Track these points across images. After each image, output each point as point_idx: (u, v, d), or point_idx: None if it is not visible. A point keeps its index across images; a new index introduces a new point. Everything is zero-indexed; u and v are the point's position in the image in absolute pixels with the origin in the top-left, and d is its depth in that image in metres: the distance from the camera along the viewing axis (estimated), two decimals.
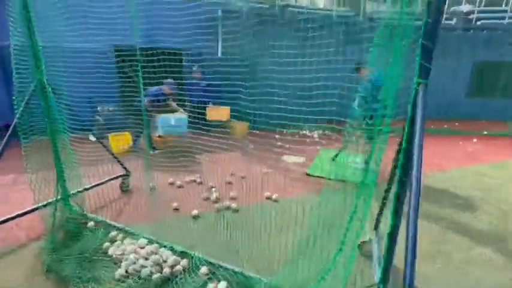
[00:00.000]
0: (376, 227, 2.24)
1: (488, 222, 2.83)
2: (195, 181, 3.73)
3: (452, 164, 4.71)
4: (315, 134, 6.69)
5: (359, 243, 2.19)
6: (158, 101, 4.71)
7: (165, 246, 2.16)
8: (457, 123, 8.35)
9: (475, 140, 6.41)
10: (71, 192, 2.65)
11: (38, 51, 2.24)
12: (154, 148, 4.99)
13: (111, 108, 5.76)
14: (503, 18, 8.31)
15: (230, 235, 2.50)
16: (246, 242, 2.36)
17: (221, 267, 1.94)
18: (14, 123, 2.29)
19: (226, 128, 6.39)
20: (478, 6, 8.46)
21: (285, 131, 6.65)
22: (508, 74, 8.81)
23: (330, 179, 3.73)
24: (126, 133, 5.27)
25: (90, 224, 2.51)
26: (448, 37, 8.49)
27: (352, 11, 8.83)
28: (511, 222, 2.84)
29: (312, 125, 7.20)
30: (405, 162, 1.27)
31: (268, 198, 3.23)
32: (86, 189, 2.88)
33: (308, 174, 4.02)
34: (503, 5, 8.46)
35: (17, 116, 2.27)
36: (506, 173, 4.35)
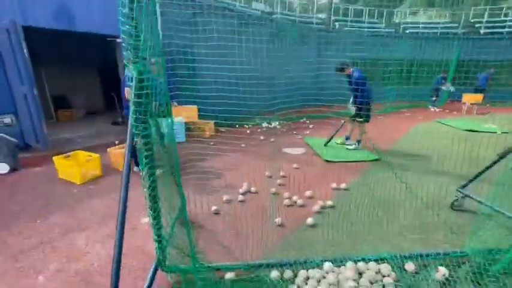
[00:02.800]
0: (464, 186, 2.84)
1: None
2: (249, 191, 3.25)
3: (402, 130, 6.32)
4: (276, 125, 7.02)
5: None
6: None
7: (354, 261, 1.96)
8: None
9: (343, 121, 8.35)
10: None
11: None
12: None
13: None
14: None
15: (364, 226, 2.51)
16: (386, 227, 2.46)
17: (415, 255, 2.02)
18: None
19: (195, 129, 5.65)
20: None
21: (250, 124, 6.63)
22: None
23: (348, 161, 4.26)
24: (94, 155, 3.77)
25: (229, 275, 1.85)
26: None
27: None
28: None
29: (265, 117, 7.47)
30: None
31: (337, 189, 3.34)
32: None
33: (328, 161, 4.35)
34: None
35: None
36: (419, 133, 6.33)
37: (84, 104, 7.72)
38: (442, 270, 1.86)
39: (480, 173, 2.71)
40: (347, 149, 4.92)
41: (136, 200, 3.01)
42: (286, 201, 2.96)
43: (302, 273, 1.87)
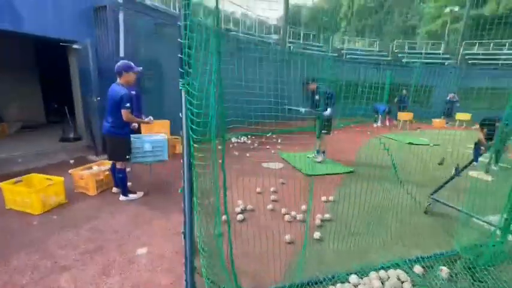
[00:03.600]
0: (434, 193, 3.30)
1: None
2: (245, 209, 3.16)
3: (358, 143, 6.96)
4: (245, 139, 7.07)
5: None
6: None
7: (375, 270, 2.07)
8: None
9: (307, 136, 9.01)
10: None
11: None
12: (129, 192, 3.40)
13: None
14: None
15: (364, 236, 2.67)
16: (384, 235, 2.67)
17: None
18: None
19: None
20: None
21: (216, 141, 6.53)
22: None
23: (326, 174, 4.54)
24: (56, 178, 3.21)
25: None
26: None
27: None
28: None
29: (233, 133, 7.48)
30: None
31: (327, 201, 3.50)
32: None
33: (308, 175, 4.54)
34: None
35: None
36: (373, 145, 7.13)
37: (20, 117, 6.49)
38: (445, 269, 2.11)
39: (446, 182, 3.20)
40: (315, 161, 5.20)
41: (123, 229, 2.66)
42: (287, 217, 2.98)
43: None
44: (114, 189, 3.49)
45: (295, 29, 15.30)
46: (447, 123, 12.52)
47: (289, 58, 11.70)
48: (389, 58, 16.82)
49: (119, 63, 3.06)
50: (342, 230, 2.79)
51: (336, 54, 16.14)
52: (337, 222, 2.96)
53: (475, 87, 14.37)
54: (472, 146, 6.25)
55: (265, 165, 5.05)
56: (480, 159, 5.65)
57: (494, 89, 14.11)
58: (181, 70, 1.31)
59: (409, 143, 7.79)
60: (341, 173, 4.66)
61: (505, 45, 17.31)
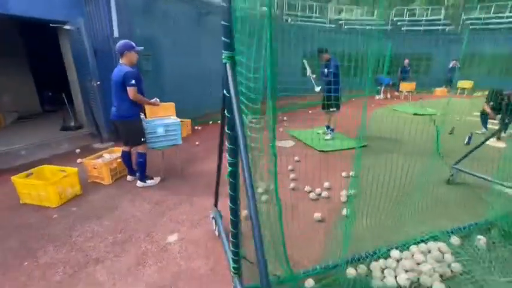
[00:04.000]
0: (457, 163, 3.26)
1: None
2: (267, 189, 3.09)
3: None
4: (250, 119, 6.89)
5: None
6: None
7: (415, 243, 2.05)
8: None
9: (310, 112, 8.59)
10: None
11: None
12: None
13: None
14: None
15: (394, 210, 2.64)
16: (413, 208, 2.65)
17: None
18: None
19: None
20: None
21: (217, 121, 6.35)
22: None
23: (339, 150, 4.45)
24: (70, 169, 3.09)
25: (309, 283, 1.73)
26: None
27: None
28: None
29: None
30: None
31: (347, 177, 3.45)
32: None
33: (322, 151, 4.47)
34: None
35: None
36: (380, 118, 7.05)
37: (13, 107, 6.17)
38: (483, 239, 2.10)
39: (470, 152, 3.14)
40: (325, 139, 5.04)
41: (148, 217, 2.58)
42: (312, 195, 2.93)
43: (375, 265, 1.87)
44: (129, 177, 3.38)
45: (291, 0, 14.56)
46: (449, 92, 12.40)
47: (287, 30, 11.20)
48: (388, 27, 16.25)
49: (120, 43, 2.83)
50: (370, 204, 2.76)
51: (333, 25, 15.53)
52: (363, 197, 2.91)
53: (476, 53, 14.09)
54: (478, 114, 6.22)
55: (276, 143, 4.94)
56: (489, 126, 5.62)
57: (495, 54, 13.86)
58: (226, 40, 1.14)
59: (415, 114, 7.71)
60: (354, 148, 4.59)
61: (505, 7, 16.77)
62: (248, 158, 1.19)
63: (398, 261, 1.90)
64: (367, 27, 15.70)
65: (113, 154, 3.60)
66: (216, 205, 2.36)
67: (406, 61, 12.15)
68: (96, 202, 2.91)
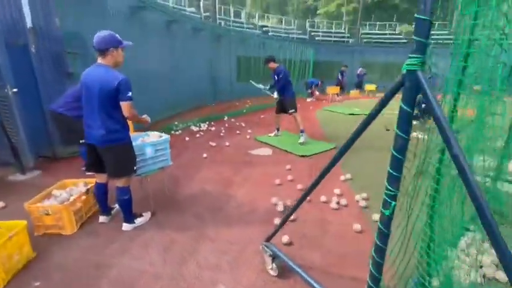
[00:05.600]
0: None
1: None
2: (285, 206, 2.81)
3: (312, 119, 7.24)
4: (203, 127, 6.39)
5: None
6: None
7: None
8: (250, 101, 11.40)
9: (262, 116, 8.41)
10: None
11: None
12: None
13: None
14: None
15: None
16: None
17: None
18: None
19: None
20: None
21: (178, 130, 5.72)
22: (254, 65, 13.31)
23: (317, 153, 4.58)
24: (17, 223, 2.04)
25: None
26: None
27: None
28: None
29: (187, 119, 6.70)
30: None
31: (345, 180, 3.51)
32: None
33: (302, 156, 4.46)
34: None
35: None
36: (326, 119, 7.68)
37: None
38: None
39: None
40: (299, 143, 5.12)
41: (166, 271, 1.93)
42: (334, 205, 2.83)
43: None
44: (103, 218, 2.49)
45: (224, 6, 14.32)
46: (360, 94, 14.74)
47: (223, 34, 10.94)
48: (307, 37, 18.08)
49: (100, 35, 2.02)
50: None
51: (260, 32, 16.17)
52: (377, 200, 3.00)
53: (373, 61, 17.26)
54: (392, 112, 7.61)
55: (254, 152, 4.66)
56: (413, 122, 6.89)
57: (386, 63, 17.31)
58: (419, 39, 0.88)
59: (350, 114, 8.76)
60: (328, 150, 4.78)
61: (384, 26, 21.22)
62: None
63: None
64: (290, 35, 17.03)
65: (70, 189, 2.59)
66: (269, 240, 1.95)
67: (360, 70, 13.93)
68: (69, 265, 1.99)
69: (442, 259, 1.72)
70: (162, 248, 2.17)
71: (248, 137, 5.64)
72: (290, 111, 5.15)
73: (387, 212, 1.07)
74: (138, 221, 2.44)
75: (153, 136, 2.71)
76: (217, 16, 12.81)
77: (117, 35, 2.07)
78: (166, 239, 2.28)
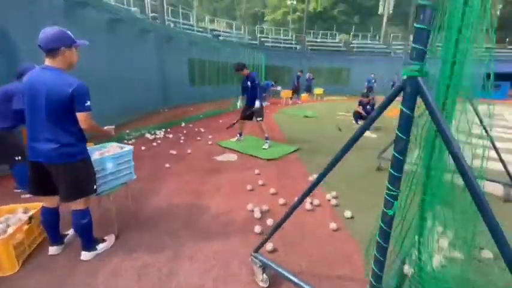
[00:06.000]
0: (381, 153, 4.15)
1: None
2: (262, 212, 2.76)
3: (270, 123, 7.35)
4: (160, 134, 6.03)
5: None
6: None
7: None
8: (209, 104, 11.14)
9: (221, 121, 8.05)
10: None
11: None
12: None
13: None
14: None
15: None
16: None
17: None
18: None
19: None
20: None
21: (131, 140, 5.32)
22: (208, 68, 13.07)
23: (283, 155, 4.69)
24: None
25: None
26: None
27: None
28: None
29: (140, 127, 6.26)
30: None
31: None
32: None
33: (269, 159, 4.49)
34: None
35: None
36: (285, 122, 7.92)
37: None
38: None
39: (390, 145, 4.08)
40: (263, 148, 5.13)
41: None
42: (308, 206, 2.88)
43: None
44: (53, 249, 2.08)
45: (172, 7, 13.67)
46: (310, 97, 15.67)
47: (174, 36, 10.48)
48: (257, 42, 18.50)
49: (49, 32, 1.69)
50: (366, 199, 3.04)
51: (210, 36, 15.97)
52: (344, 196, 3.16)
53: (319, 67, 18.53)
54: (342, 113, 8.33)
55: (219, 158, 4.52)
56: (360, 122, 7.55)
57: (330, 68, 18.75)
58: (419, 47, 0.93)
59: (305, 116, 9.21)
60: (291, 152, 4.92)
61: (326, 34, 23.03)
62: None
63: None
64: (242, 40, 17.21)
65: (2, 219, 2.10)
66: (258, 250, 1.87)
67: (308, 74, 14.52)
68: None
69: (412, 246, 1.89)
70: (134, 275, 1.91)
71: (210, 142, 5.46)
72: (258, 119, 5.11)
73: (390, 212, 1.11)
74: (100, 247, 2.11)
75: (113, 148, 2.40)
76: (166, 17, 12.21)
77: (69, 32, 1.77)
78: (138, 264, 2.02)
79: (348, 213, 2.73)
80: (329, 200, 3.05)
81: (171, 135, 5.95)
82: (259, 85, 5.09)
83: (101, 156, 2.15)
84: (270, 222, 2.55)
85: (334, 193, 3.15)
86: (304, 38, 20.18)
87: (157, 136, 5.84)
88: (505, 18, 29.78)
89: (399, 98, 1.08)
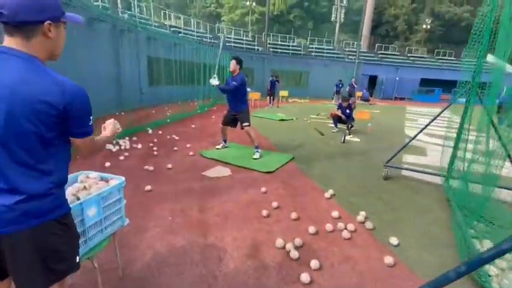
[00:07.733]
0: (388, 161, 3.91)
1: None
2: (298, 247, 2.17)
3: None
4: (125, 145, 4.99)
5: None
6: None
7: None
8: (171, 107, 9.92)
9: (193, 126, 7.24)
10: None
11: None
12: None
13: None
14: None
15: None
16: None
17: None
18: None
19: None
20: None
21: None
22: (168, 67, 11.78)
23: (281, 166, 4.17)
24: None
25: None
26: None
27: None
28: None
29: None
30: None
31: (330, 197, 3.18)
32: None
33: (268, 172, 3.91)
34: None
35: None
36: (263, 127, 7.40)
37: None
38: None
39: (398, 151, 3.86)
40: (253, 158, 4.51)
41: None
42: (345, 234, 2.39)
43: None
44: None
45: None
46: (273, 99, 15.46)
47: (130, 30, 9.13)
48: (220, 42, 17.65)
49: None
50: (397, 218, 2.68)
51: (170, 32, 14.65)
52: (374, 216, 2.76)
53: (281, 69, 18.55)
54: (314, 116, 8.21)
55: (209, 174, 3.76)
56: (339, 125, 7.47)
57: (291, 71, 18.94)
58: None
59: (280, 120, 8.83)
60: (287, 162, 4.42)
61: (285, 38, 23.35)
62: None
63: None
64: (204, 39, 16.20)
65: None
66: None
67: (273, 77, 13.97)
68: None
69: None
70: None
71: (191, 153, 4.62)
72: (244, 124, 4.50)
73: None
74: None
75: (92, 181, 1.55)
76: (119, 8, 10.66)
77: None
78: None
79: (393, 240, 2.32)
80: (362, 223, 2.61)
81: (139, 146, 4.91)
82: (243, 88, 4.50)
83: (77, 201, 1.31)
84: (314, 264, 1.98)
85: (363, 213, 2.73)
86: (265, 39, 20.05)
87: (123, 147, 4.76)
88: (432, 31, 34.12)
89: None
